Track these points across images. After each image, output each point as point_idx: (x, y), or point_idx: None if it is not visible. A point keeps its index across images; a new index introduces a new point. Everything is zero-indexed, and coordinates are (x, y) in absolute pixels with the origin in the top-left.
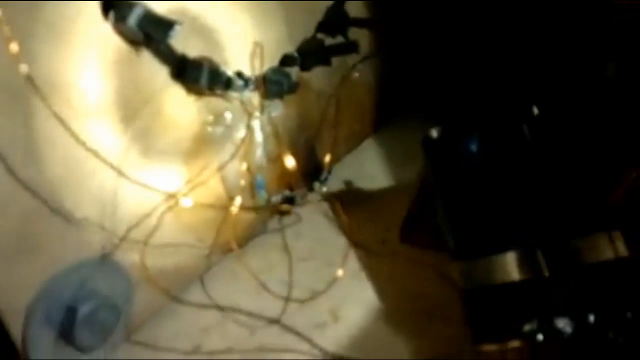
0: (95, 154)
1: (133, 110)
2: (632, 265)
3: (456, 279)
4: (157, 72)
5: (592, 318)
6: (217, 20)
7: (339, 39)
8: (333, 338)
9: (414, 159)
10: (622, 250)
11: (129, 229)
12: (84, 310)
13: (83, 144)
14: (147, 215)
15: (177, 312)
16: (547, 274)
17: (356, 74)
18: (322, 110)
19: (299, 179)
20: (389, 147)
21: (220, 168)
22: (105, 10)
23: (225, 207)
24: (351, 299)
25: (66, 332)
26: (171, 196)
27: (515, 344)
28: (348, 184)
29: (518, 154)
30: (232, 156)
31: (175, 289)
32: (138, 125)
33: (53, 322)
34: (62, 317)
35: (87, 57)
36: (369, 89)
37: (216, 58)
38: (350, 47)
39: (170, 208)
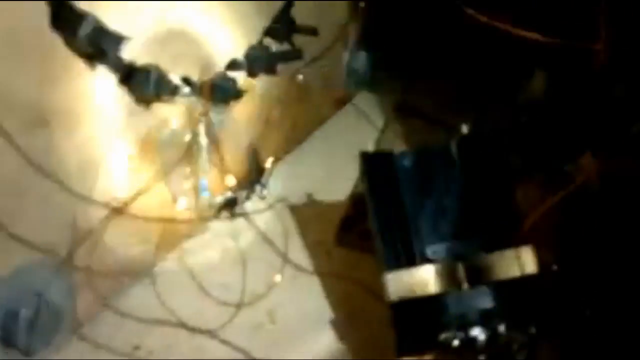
0: (38, 167)
1: (77, 120)
2: (538, 282)
3: (383, 291)
4: (103, 81)
5: (502, 328)
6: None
7: (285, 45)
8: (268, 339)
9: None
10: (530, 267)
11: (74, 240)
12: (25, 313)
13: (25, 156)
14: (91, 225)
15: (118, 313)
16: (466, 286)
17: (300, 77)
18: (267, 113)
19: (242, 181)
20: (331, 144)
21: (166, 173)
22: (55, 23)
23: (169, 210)
24: (288, 302)
25: (9, 335)
26: (115, 208)
27: (431, 355)
28: (290, 185)
29: (445, 170)
30: (178, 161)
31: (117, 290)
32: (83, 135)
33: None
34: (3, 322)
35: (32, 69)
36: (312, 90)
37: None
38: (295, 54)
39: (115, 214)
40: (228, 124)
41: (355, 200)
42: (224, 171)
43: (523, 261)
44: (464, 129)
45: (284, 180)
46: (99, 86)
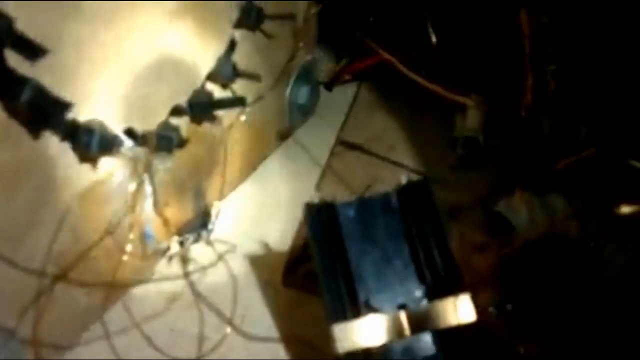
0: None
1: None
2: (473, 331)
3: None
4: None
5: None
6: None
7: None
8: None
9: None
10: (466, 316)
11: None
12: None
13: None
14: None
15: None
16: (408, 335)
17: (243, 118)
18: (211, 155)
19: (187, 225)
20: (274, 180)
21: (110, 230)
22: None
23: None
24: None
25: None
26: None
27: None
28: (235, 228)
29: (386, 220)
30: (124, 211)
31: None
32: (23, 196)
33: None
34: None
35: None
36: (255, 128)
37: None
38: (238, 102)
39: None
40: (172, 170)
41: (300, 242)
42: (169, 217)
43: (461, 308)
44: (403, 179)
45: (229, 222)
46: (39, 146)
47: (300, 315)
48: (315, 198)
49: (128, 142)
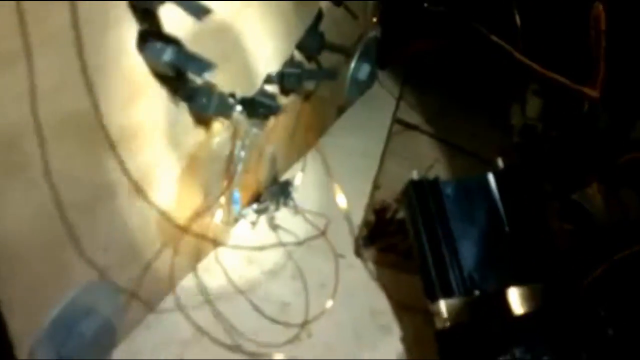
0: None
1: (140, 141)
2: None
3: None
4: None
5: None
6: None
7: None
8: (306, 351)
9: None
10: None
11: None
12: (87, 330)
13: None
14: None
15: (158, 324)
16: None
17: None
18: (284, 123)
19: (268, 191)
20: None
21: (209, 187)
22: (142, 43)
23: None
24: (320, 314)
25: (69, 353)
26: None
27: None
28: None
29: (484, 201)
30: (219, 175)
31: (154, 301)
32: (143, 155)
33: (57, 344)
34: (65, 340)
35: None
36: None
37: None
38: (330, 74)
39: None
40: (260, 137)
41: (376, 212)
42: (255, 183)
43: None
44: (500, 163)
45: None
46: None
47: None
48: (415, 175)
49: (238, 106)
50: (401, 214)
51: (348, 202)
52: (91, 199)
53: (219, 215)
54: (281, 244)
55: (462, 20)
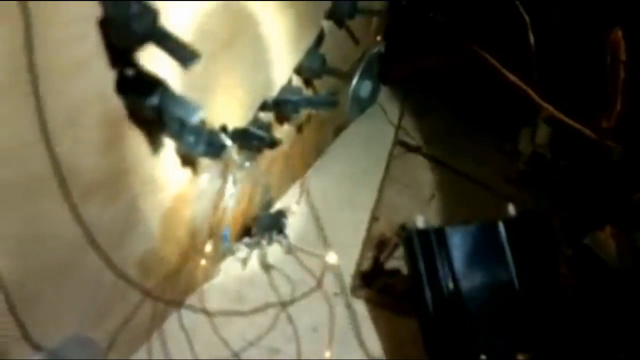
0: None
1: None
2: None
3: None
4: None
5: None
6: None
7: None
8: None
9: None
10: None
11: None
12: None
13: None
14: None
15: None
16: None
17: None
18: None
19: (259, 225)
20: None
21: (193, 232)
22: (122, 85)
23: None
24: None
25: None
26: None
27: None
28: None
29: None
30: (208, 212)
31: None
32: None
33: None
34: None
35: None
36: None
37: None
38: (330, 102)
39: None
40: (254, 169)
41: (374, 252)
42: (246, 215)
43: None
44: (511, 210)
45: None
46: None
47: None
48: (419, 222)
49: (228, 143)
50: (401, 251)
51: (344, 234)
52: (66, 256)
53: (206, 252)
54: (274, 301)
55: (469, 40)
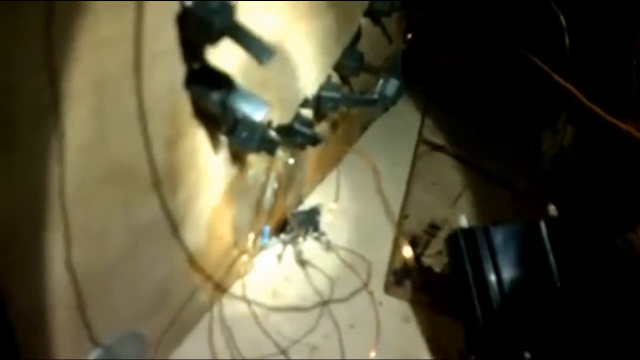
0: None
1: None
2: None
3: None
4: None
5: None
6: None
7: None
8: None
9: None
10: None
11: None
12: None
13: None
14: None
15: None
16: None
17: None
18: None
19: (294, 220)
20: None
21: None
22: (190, 80)
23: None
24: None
25: None
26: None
27: None
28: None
29: (534, 250)
30: (252, 207)
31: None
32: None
33: None
34: None
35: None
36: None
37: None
38: (370, 101)
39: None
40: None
41: (407, 250)
42: (281, 210)
43: None
44: (552, 210)
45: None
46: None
47: (411, 330)
48: (463, 221)
49: (279, 143)
50: (432, 249)
51: (373, 231)
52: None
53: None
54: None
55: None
